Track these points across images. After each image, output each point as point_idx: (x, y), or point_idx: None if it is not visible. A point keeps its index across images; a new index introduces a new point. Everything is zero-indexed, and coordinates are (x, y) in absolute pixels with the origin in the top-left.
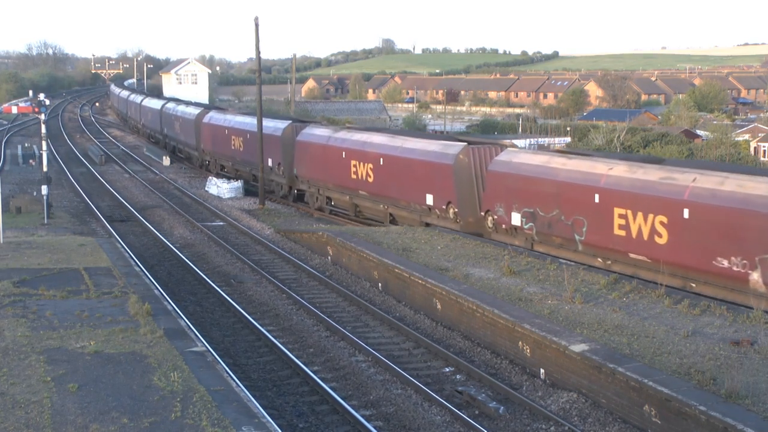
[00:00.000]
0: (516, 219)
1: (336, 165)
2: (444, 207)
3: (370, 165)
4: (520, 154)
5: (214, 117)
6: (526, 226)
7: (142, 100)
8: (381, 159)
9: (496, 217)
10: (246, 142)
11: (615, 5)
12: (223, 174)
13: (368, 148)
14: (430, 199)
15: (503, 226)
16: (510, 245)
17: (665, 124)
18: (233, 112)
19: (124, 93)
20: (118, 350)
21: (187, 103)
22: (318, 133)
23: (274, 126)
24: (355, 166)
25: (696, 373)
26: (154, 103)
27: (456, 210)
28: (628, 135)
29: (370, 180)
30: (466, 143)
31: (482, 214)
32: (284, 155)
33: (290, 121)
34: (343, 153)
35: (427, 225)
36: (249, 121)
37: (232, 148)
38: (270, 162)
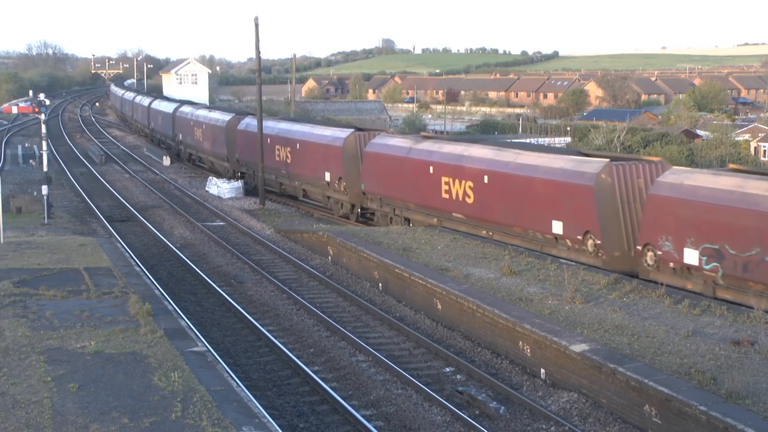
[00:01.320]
0: (691, 256)
1: (420, 182)
2: (580, 238)
3: (469, 183)
4: (696, 176)
5: (252, 124)
6: (706, 267)
7: (150, 103)
8: (485, 176)
9: (659, 252)
10: (295, 153)
11: (615, 5)
12: (267, 188)
13: (467, 162)
14: (558, 227)
15: (670, 264)
16: (679, 288)
17: (665, 124)
18: (275, 119)
19: (128, 94)
20: (119, 350)
21: (210, 108)
22: (393, 143)
23: (332, 135)
24: (447, 183)
25: (696, 373)
26: (165, 106)
27: (598, 242)
28: (628, 135)
29: (469, 201)
30: (608, 160)
31: (638, 248)
32: (347, 168)
33: (353, 129)
34: (431, 168)
35: (553, 257)
36: (297, 129)
37: (277, 159)
38: (327, 176)
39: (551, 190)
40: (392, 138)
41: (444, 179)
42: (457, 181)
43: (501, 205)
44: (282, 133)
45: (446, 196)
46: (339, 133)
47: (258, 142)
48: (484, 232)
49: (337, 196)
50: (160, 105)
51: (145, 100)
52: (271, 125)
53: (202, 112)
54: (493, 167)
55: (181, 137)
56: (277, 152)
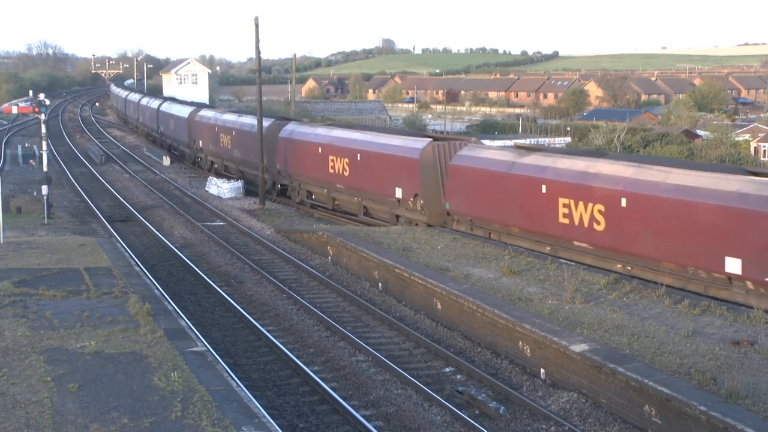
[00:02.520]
0: None
1: (528, 203)
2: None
3: (599, 207)
4: None
5: (297, 131)
6: None
7: (160, 105)
8: (623, 199)
9: None
10: (355, 164)
11: (615, 5)
12: (316, 203)
13: (595, 181)
14: (734, 266)
15: None
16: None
17: (665, 124)
18: (326, 125)
19: (133, 96)
20: (119, 350)
21: (239, 112)
22: (489, 156)
23: (404, 144)
24: (566, 206)
25: (696, 373)
26: (178, 110)
27: None
28: (628, 135)
29: (598, 228)
30: None
31: None
32: (425, 184)
33: (430, 139)
34: (543, 186)
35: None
36: (358, 138)
37: (331, 172)
38: (398, 192)
39: (723, 219)
40: (486, 150)
41: (562, 201)
42: (580, 204)
43: (646, 234)
44: (337, 142)
45: (565, 221)
46: (413, 143)
47: (258, 141)
48: (619, 265)
49: (410, 216)
50: (171, 108)
51: (153, 102)
52: (323, 132)
53: (230, 117)
54: (635, 188)
55: (201, 144)
56: (330, 163)
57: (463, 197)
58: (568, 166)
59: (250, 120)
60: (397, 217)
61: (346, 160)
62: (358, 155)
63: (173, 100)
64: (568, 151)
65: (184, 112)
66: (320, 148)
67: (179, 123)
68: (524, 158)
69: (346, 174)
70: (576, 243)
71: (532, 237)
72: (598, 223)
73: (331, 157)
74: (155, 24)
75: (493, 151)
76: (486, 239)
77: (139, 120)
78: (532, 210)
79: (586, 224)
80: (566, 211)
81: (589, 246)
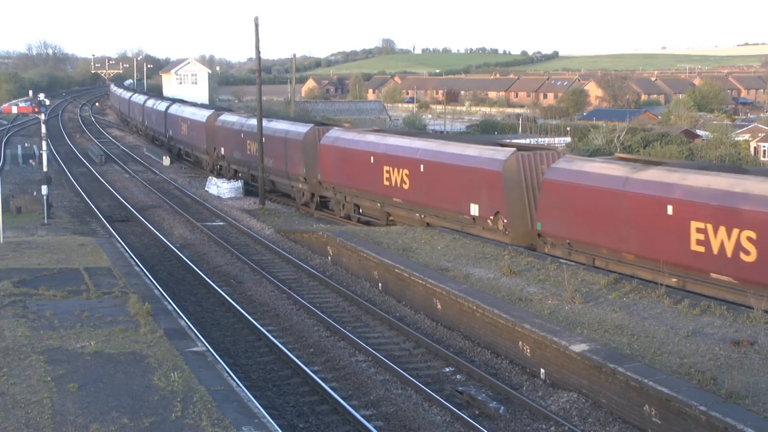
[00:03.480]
0: None
1: (649, 225)
2: None
3: (749, 233)
4: None
5: (343, 138)
6: None
7: (168, 108)
8: None
9: None
10: (418, 176)
11: (615, 5)
12: (366, 217)
13: (746, 203)
14: None
15: None
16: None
17: (665, 124)
18: (377, 131)
19: (137, 97)
20: (119, 350)
21: (268, 117)
22: (595, 170)
23: (481, 155)
24: (701, 231)
25: (696, 373)
26: (191, 113)
27: None
28: (628, 135)
29: (747, 258)
30: None
31: None
32: (510, 201)
33: (514, 149)
34: (670, 207)
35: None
36: (421, 146)
37: (386, 184)
38: (473, 209)
39: None
40: (588, 162)
41: (696, 225)
42: (722, 229)
43: None
44: (394, 151)
45: (699, 248)
46: (494, 153)
47: (258, 141)
48: None
49: (488, 236)
50: (182, 111)
51: (160, 104)
52: (375, 140)
53: (254, 122)
54: None
55: (223, 151)
56: (386, 175)
57: (561, 217)
58: (704, 183)
59: (283, 125)
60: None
61: (406, 171)
62: (422, 166)
63: (182, 102)
64: (698, 166)
65: (200, 115)
66: (372, 158)
67: (195, 128)
68: (641, 173)
69: (406, 187)
70: (714, 275)
71: (651, 266)
72: (747, 252)
73: (386, 168)
74: (155, 24)
75: (599, 164)
76: (589, 266)
77: (144, 123)
78: (653, 234)
79: (729, 253)
80: (701, 237)
81: (733, 279)
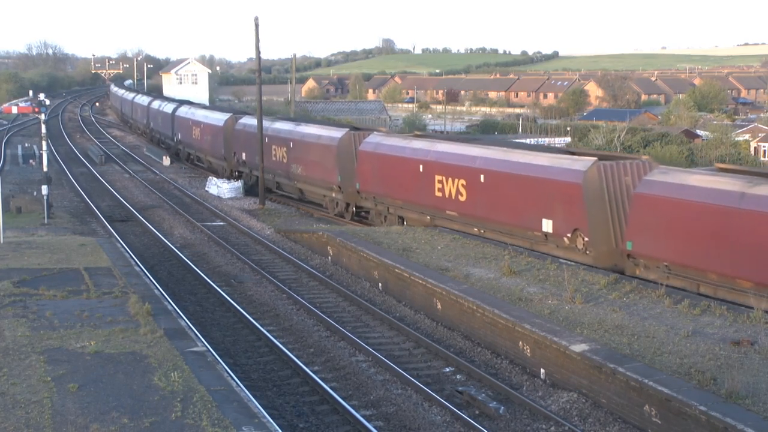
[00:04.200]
0: None
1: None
2: None
3: None
4: None
5: (386, 144)
6: None
7: (175, 110)
8: None
9: None
10: (478, 188)
11: (615, 5)
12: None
13: None
14: None
15: None
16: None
17: (665, 124)
18: (424, 137)
19: (141, 99)
20: (119, 350)
21: (295, 121)
22: (701, 184)
23: (555, 164)
24: None
25: (696, 373)
26: (204, 116)
27: None
28: (628, 135)
29: None
30: None
31: None
32: (592, 216)
33: (595, 159)
34: None
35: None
36: (483, 154)
37: (438, 195)
38: (547, 225)
39: None
40: (690, 175)
41: None
42: None
43: None
44: (448, 159)
45: None
46: (571, 163)
47: (258, 141)
48: None
49: (565, 255)
50: (193, 114)
51: (166, 106)
52: (424, 146)
53: (285, 126)
54: None
55: (244, 157)
56: (437, 185)
57: (658, 236)
58: None
59: (314, 130)
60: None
61: (462, 181)
62: (482, 176)
63: (189, 103)
64: None
65: (217, 119)
66: (422, 166)
67: (210, 132)
68: (760, 188)
69: (462, 199)
70: None
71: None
72: None
73: (438, 178)
74: (155, 24)
75: (705, 176)
76: (689, 292)
77: (149, 125)
78: None
79: None
80: None
81: None
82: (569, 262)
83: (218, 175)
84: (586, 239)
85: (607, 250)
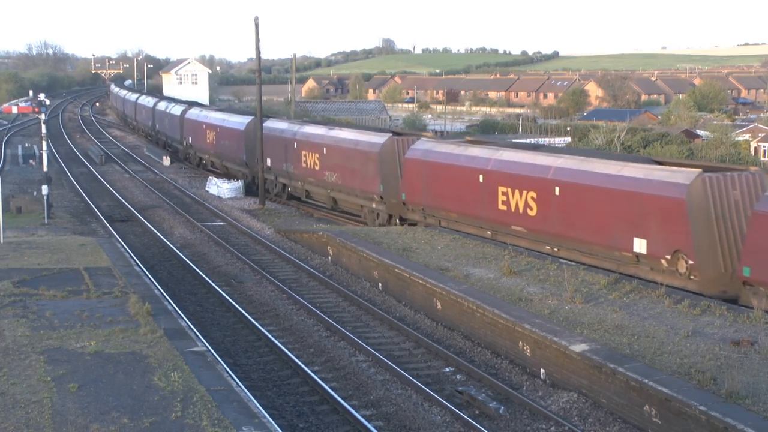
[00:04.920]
0: None
1: None
2: None
3: None
4: None
5: (437, 151)
6: None
7: (184, 112)
8: None
9: None
10: (551, 202)
11: (615, 5)
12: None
13: None
14: None
15: None
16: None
17: (665, 124)
18: (481, 143)
19: (146, 100)
20: (119, 350)
21: (327, 125)
22: None
23: (645, 176)
24: None
25: (696, 373)
26: (220, 119)
27: None
28: (628, 135)
29: None
30: None
31: None
32: (698, 236)
33: (699, 170)
34: None
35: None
36: (557, 164)
37: (503, 209)
38: (639, 245)
39: None
40: None
41: None
42: None
43: None
44: (514, 168)
45: None
46: (668, 175)
47: (258, 141)
48: None
49: (661, 279)
50: (206, 116)
51: (173, 108)
52: (483, 154)
53: (317, 131)
54: None
55: (269, 163)
56: (501, 197)
57: None
58: None
59: (350, 135)
60: (631, 278)
61: (532, 194)
62: (557, 188)
63: (198, 105)
64: None
65: (236, 122)
66: (482, 176)
67: (228, 136)
68: None
69: (531, 213)
70: None
71: None
72: None
73: (501, 189)
74: (155, 24)
75: None
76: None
77: (154, 128)
78: None
79: None
80: None
81: None
82: (568, 263)
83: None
84: (690, 262)
85: (715, 274)
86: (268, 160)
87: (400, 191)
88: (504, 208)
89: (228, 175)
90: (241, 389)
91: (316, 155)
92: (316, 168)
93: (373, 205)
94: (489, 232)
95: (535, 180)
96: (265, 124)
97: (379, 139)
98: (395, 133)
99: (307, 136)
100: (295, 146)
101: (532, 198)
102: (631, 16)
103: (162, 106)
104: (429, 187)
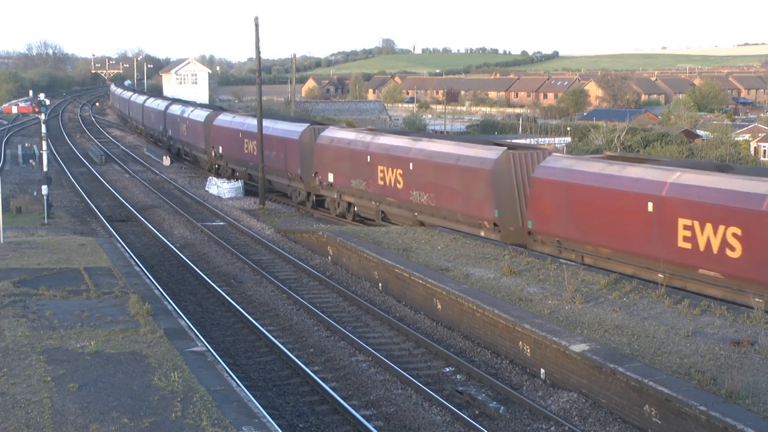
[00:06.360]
0: None
1: None
2: None
3: None
4: None
5: (576, 171)
6: None
7: (210, 119)
8: None
9: None
10: (757, 239)
11: (615, 5)
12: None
13: None
14: None
15: None
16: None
17: (665, 124)
18: (635, 162)
19: (155, 103)
20: (119, 350)
21: (412, 135)
22: None
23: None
24: None
25: (696, 373)
26: (271, 127)
27: None
28: (628, 135)
29: None
30: None
31: None
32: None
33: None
34: None
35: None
36: (650, 175)
37: (686, 247)
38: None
39: None
40: None
41: None
42: None
43: None
44: (703, 196)
45: None
46: None
47: (258, 141)
48: None
49: None
50: (244, 124)
51: (194, 113)
52: (650, 177)
53: (397, 142)
54: None
55: (331, 179)
56: (685, 232)
57: None
58: None
59: (450, 148)
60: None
61: (735, 229)
62: (649, 204)
63: (219, 108)
64: None
65: (288, 131)
66: (651, 204)
67: (276, 146)
68: None
69: (733, 254)
70: None
71: None
72: None
73: (683, 222)
74: (155, 24)
75: None
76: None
77: (166, 133)
78: None
79: None
80: None
81: None
82: (569, 263)
83: (289, 198)
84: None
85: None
86: (330, 176)
87: (524, 218)
88: (687, 245)
89: (273, 191)
90: (241, 389)
91: (399, 171)
92: (398, 186)
93: (482, 234)
94: (661, 275)
95: (740, 212)
96: (325, 133)
97: (491, 153)
98: (510, 147)
99: (385, 149)
100: (369, 160)
101: (735, 235)
102: (631, 16)
103: (176, 110)
104: (570, 214)
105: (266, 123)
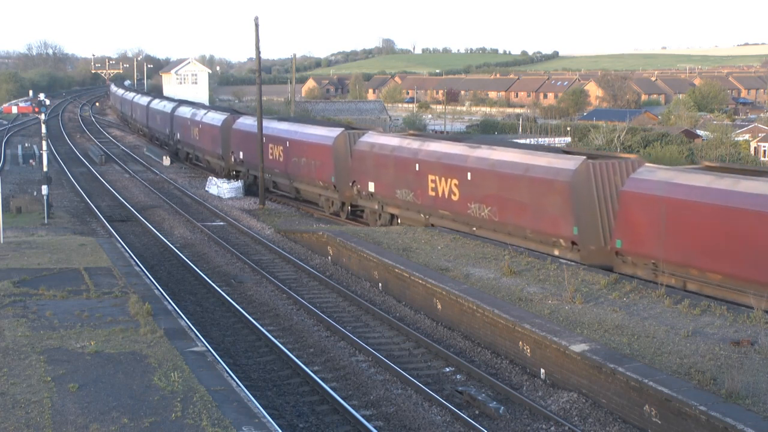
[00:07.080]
0: None
1: None
2: None
3: None
4: None
5: (688, 186)
6: None
7: (228, 122)
8: None
9: None
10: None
11: (615, 5)
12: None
13: None
14: None
15: None
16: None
17: (665, 124)
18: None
19: (160, 104)
20: (119, 350)
21: (484, 142)
22: None
23: None
24: None
25: (696, 373)
26: (296, 132)
27: None
28: (628, 135)
29: None
30: None
31: None
32: None
33: None
34: None
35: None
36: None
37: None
38: None
39: None
40: None
41: None
42: None
43: None
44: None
45: None
46: None
47: (258, 141)
48: None
49: None
50: (270, 127)
51: (210, 116)
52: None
53: (452, 149)
54: None
55: (372, 189)
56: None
57: None
58: None
59: (518, 156)
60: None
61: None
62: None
63: (233, 111)
64: None
65: (321, 136)
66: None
67: (307, 152)
68: None
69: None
70: None
71: None
72: None
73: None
74: (155, 24)
75: None
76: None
77: (174, 137)
78: None
79: None
80: None
81: None
82: (569, 262)
83: (322, 209)
84: None
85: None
86: (371, 185)
87: (607, 237)
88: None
89: (306, 201)
90: (241, 389)
91: (454, 181)
92: (453, 198)
93: (557, 252)
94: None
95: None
96: (365, 139)
97: (569, 163)
98: (590, 156)
99: (437, 156)
100: (417, 168)
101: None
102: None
103: (186, 112)
104: (671, 234)
105: (295, 127)
